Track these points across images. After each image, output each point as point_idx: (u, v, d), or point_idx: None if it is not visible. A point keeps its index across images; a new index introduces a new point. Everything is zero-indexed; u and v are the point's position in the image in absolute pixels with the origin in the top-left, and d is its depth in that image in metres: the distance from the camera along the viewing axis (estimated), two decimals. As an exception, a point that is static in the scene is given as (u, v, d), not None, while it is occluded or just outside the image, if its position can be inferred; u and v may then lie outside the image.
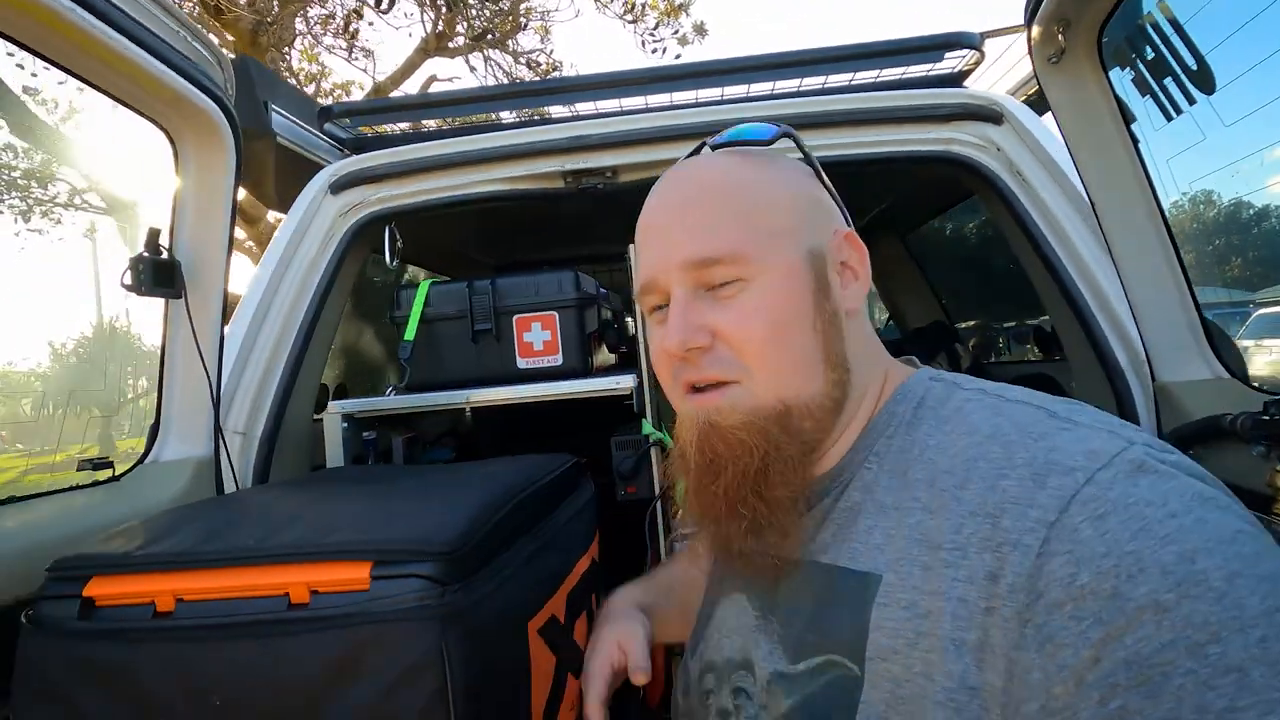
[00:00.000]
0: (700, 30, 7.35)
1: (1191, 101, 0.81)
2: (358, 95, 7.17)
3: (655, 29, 7.31)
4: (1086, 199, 1.30)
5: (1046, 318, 2.09)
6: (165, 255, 1.01)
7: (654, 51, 7.19)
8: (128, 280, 0.95)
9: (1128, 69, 0.87)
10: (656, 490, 1.40)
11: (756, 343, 0.60)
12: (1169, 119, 0.85)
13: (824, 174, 0.70)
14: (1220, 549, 0.41)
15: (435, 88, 7.07)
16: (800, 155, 0.71)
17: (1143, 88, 0.86)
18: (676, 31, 7.33)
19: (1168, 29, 0.79)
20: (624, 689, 1.29)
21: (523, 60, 7.08)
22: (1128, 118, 0.90)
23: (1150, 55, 0.82)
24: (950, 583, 0.49)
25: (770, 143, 0.68)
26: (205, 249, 1.05)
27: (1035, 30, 0.89)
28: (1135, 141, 0.91)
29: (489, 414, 2.17)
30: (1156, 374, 1.05)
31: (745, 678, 0.64)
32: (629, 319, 2.20)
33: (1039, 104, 1.52)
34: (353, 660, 0.63)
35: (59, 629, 0.67)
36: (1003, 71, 1.72)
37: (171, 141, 0.99)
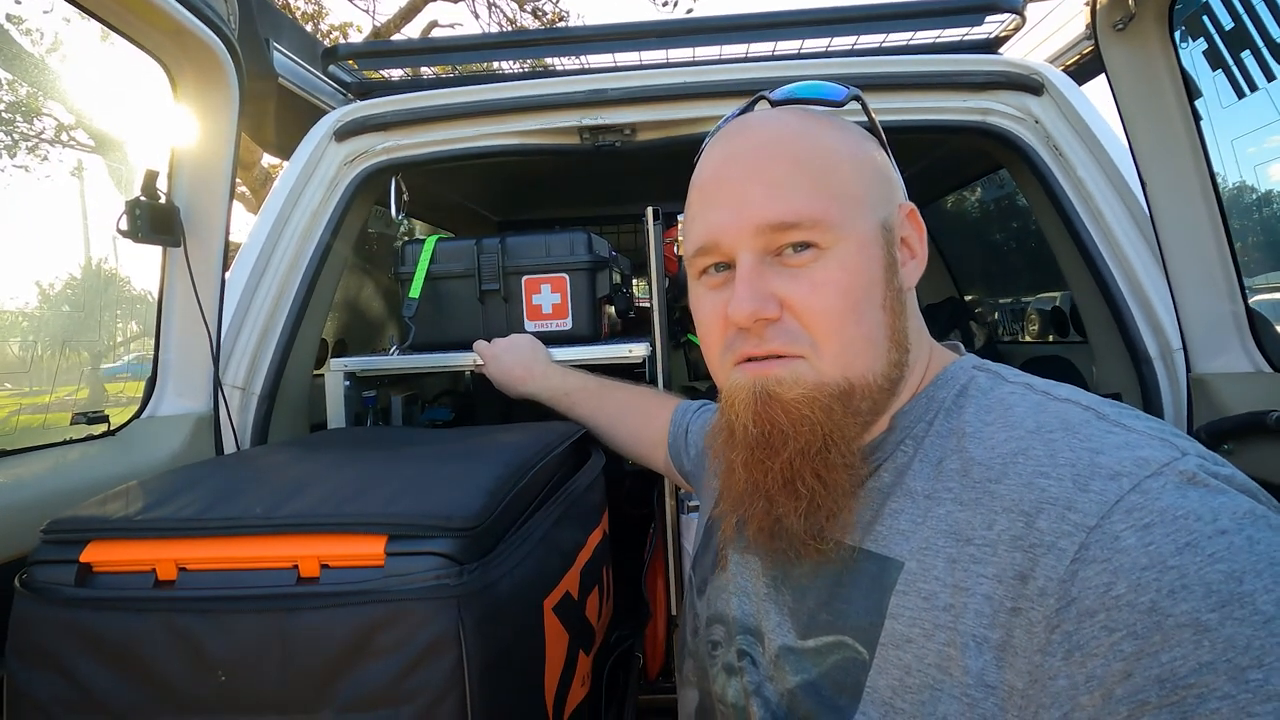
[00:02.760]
0: (713, -15, 7.09)
1: (1271, 77, 0.76)
2: (356, 38, 6.93)
3: (666, -19, 7.06)
4: (1125, 178, 1.26)
5: (1059, 298, 2.05)
6: (163, 200, 0.95)
7: (665, 5, 6.96)
8: (123, 226, 0.89)
9: (1199, 39, 0.81)
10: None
11: (828, 316, 0.56)
12: (1241, 96, 0.80)
13: (887, 143, 0.66)
14: (1270, 571, 0.38)
15: (436, 34, 6.84)
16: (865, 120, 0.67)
17: (1214, 61, 0.81)
18: (688, -14, 7.09)
19: (1254, -3, 0.74)
20: (622, 662, 1.29)
21: (528, 8, 6.85)
22: (1192, 92, 0.85)
23: (1229, 25, 0.77)
24: (976, 578, 0.48)
25: (842, 104, 0.64)
26: (205, 194, 0.99)
27: (1102, -7, 0.83)
28: (1197, 118, 0.86)
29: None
30: (1193, 364, 1.02)
31: (753, 644, 0.63)
32: (638, 283, 2.15)
33: (1077, 75, 1.46)
34: (364, 639, 0.61)
35: (54, 595, 0.64)
36: (1037, 41, 1.64)
37: (170, 77, 0.93)
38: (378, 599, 0.60)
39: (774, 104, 0.67)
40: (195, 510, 0.67)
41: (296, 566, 0.63)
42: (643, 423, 1.09)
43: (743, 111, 0.67)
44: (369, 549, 0.63)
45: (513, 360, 1.26)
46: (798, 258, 0.56)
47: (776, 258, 0.57)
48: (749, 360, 0.58)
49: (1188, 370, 1.03)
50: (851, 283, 0.56)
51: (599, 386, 1.18)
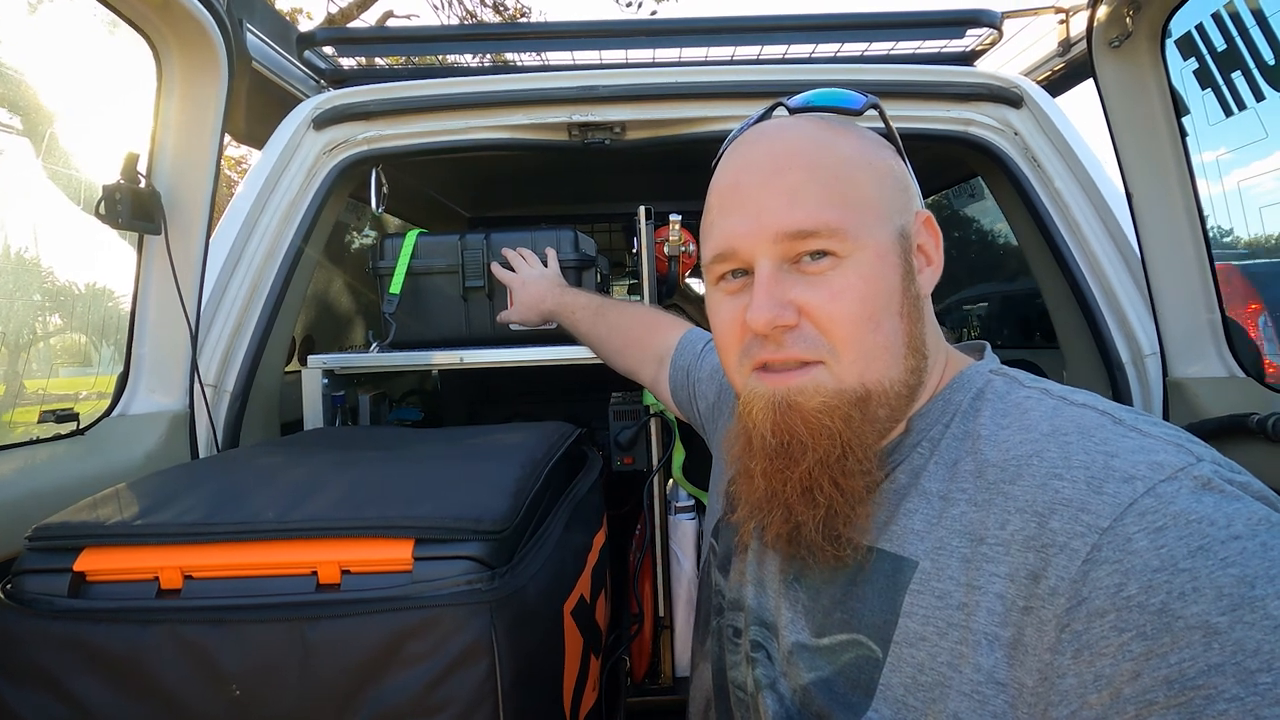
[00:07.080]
0: (677, -11, 7.14)
1: (1260, 98, 0.80)
2: (306, 25, 6.69)
3: (630, -17, 7.05)
4: (1099, 190, 1.31)
5: (1025, 306, 2.13)
6: (144, 184, 0.89)
7: (629, 5, 6.95)
8: (102, 210, 0.83)
9: (1190, 59, 0.85)
10: (655, 462, 1.37)
11: (846, 324, 0.56)
12: (1229, 114, 0.84)
13: (904, 150, 0.66)
14: None
15: (391, 24, 6.66)
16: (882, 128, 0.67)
17: (1204, 80, 0.85)
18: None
19: (1248, 20, 0.78)
20: (615, 665, 1.28)
21: (488, 2, 6.74)
22: (1180, 109, 0.89)
23: (1221, 46, 0.81)
24: (989, 577, 0.48)
25: (860, 113, 0.64)
26: (189, 179, 0.93)
27: (1102, 11, 0.86)
28: (1184, 134, 0.90)
29: (458, 375, 2.08)
30: (1170, 369, 1.07)
31: (769, 638, 0.63)
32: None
33: (1048, 90, 1.52)
34: (392, 649, 0.58)
35: (45, 606, 0.59)
36: (1009, 56, 1.70)
37: (155, 53, 0.87)
38: (407, 606, 0.58)
39: (792, 111, 0.67)
40: (199, 515, 0.63)
41: (315, 573, 0.60)
42: (641, 335, 1.12)
43: (760, 118, 0.67)
44: (395, 553, 0.60)
45: (538, 287, 1.35)
46: (815, 265, 0.56)
47: (794, 265, 0.57)
48: (766, 367, 0.59)
49: (1165, 374, 1.08)
50: (870, 291, 0.56)
51: (601, 303, 1.24)
